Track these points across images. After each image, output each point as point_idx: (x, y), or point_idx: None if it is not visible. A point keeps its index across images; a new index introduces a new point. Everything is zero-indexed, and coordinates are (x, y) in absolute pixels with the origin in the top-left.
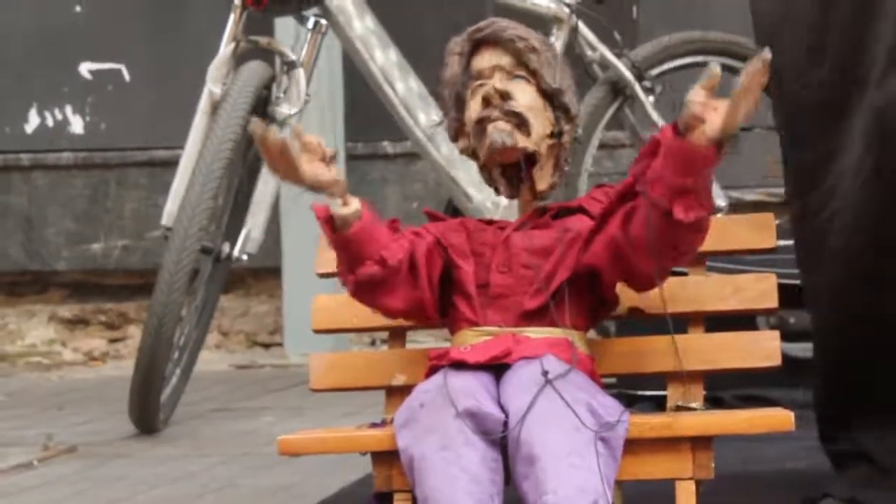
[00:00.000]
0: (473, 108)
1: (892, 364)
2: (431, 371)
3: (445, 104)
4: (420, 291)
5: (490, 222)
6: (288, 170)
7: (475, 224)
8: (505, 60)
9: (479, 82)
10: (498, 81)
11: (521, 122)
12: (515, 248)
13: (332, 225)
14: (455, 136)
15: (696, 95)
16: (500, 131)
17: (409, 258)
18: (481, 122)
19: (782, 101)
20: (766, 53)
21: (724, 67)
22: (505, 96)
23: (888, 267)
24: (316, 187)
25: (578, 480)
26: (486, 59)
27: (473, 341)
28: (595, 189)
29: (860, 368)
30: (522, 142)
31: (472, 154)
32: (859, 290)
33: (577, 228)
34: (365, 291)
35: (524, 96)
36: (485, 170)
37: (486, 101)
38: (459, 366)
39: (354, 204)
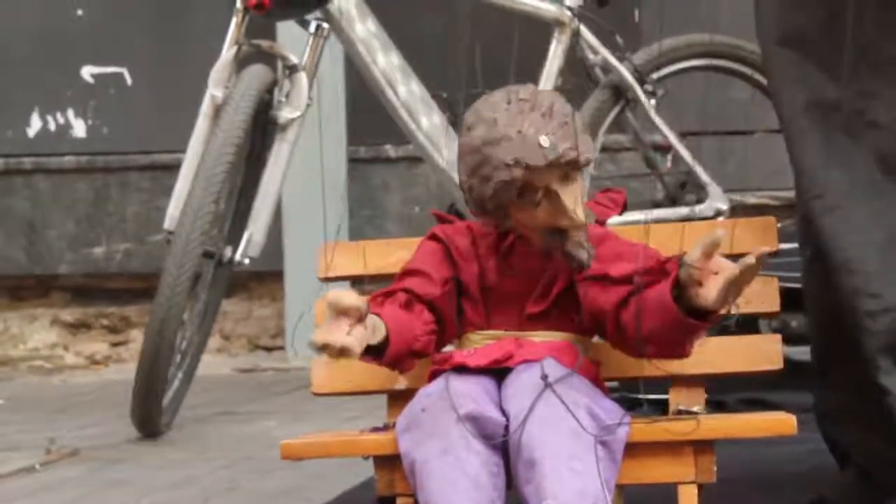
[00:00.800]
0: (537, 218)
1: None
2: (434, 375)
3: (474, 193)
4: (452, 332)
5: (496, 226)
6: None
7: (481, 227)
8: (558, 173)
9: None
10: (564, 198)
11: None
12: (520, 251)
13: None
14: (475, 203)
15: (694, 259)
16: (581, 249)
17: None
18: (557, 239)
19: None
20: (765, 250)
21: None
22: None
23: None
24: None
25: (578, 485)
26: (539, 179)
27: (479, 345)
28: (600, 194)
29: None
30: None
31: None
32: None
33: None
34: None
35: (578, 193)
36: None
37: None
38: (461, 370)
39: (380, 333)
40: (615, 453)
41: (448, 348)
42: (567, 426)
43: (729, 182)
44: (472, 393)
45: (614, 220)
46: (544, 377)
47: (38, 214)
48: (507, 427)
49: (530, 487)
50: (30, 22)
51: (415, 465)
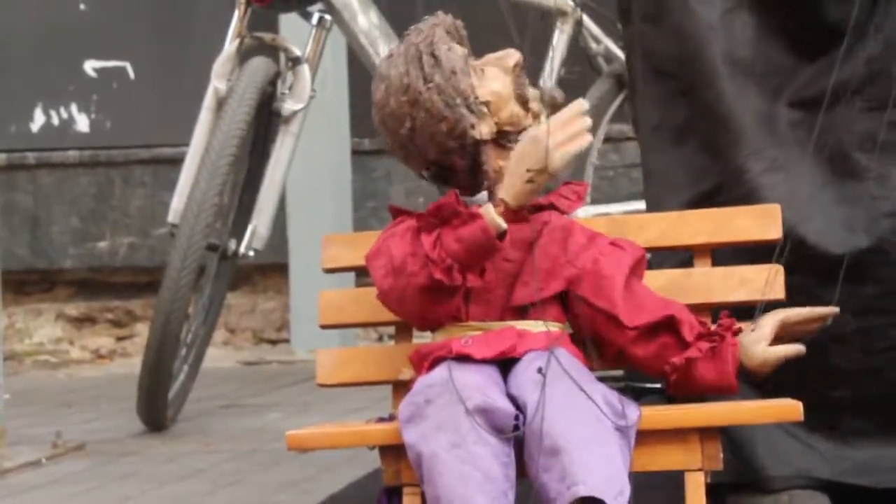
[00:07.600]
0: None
1: None
2: (431, 364)
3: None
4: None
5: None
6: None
7: None
8: None
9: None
10: None
11: None
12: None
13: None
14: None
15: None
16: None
17: None
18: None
19: None
20: (832, 310)
21: None
22: None
23: None
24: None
25: (608, 471)
26: None
27: (458, 336)
28: (563, 186)
29: None
30: None
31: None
32: None
33: (555, 223)
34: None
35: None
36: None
37: None
38: (463, 359)
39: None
40: (630, 439)
41: (423, 339)
42: (589, 413)
43: None
44: (479, 384)
45: (628, 206)
46: (560, 365)
47: (41, 209)
48: (517, 417)
49: (551, 475)
50: (32, 16)
51: (422, 457)
